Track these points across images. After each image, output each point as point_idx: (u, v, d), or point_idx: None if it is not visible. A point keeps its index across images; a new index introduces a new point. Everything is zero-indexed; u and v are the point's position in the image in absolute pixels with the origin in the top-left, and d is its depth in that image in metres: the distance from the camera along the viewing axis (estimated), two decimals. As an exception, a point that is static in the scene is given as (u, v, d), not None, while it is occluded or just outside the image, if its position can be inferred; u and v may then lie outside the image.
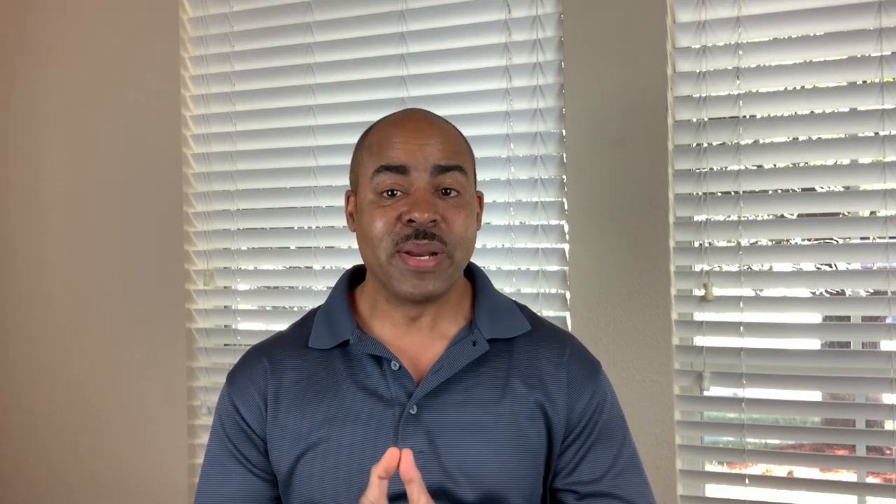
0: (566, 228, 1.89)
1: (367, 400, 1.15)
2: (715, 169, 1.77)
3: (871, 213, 1.75)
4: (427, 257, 1.11)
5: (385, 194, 1.12)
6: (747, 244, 1.76)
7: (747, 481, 1.74)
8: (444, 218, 1.11)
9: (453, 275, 1.14)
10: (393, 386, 1.15)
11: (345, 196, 1.23)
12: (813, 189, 1.99)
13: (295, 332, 1.25)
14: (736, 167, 1.75)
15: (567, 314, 1.89)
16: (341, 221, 2.10)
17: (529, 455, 1.16)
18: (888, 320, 1.71)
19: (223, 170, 2.24)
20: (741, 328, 1.75)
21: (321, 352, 1.19)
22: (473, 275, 1.25)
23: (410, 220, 1.10)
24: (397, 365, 1.15)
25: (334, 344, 1.18)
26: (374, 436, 1.14)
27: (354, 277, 1.27)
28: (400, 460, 0.94)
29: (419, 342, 1.18)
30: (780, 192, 1.79)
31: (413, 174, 1.12)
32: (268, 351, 1.22)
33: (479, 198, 1.22)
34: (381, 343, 1.16)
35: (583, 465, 1.19)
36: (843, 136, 1.71)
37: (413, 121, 1.16)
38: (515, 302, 1.27)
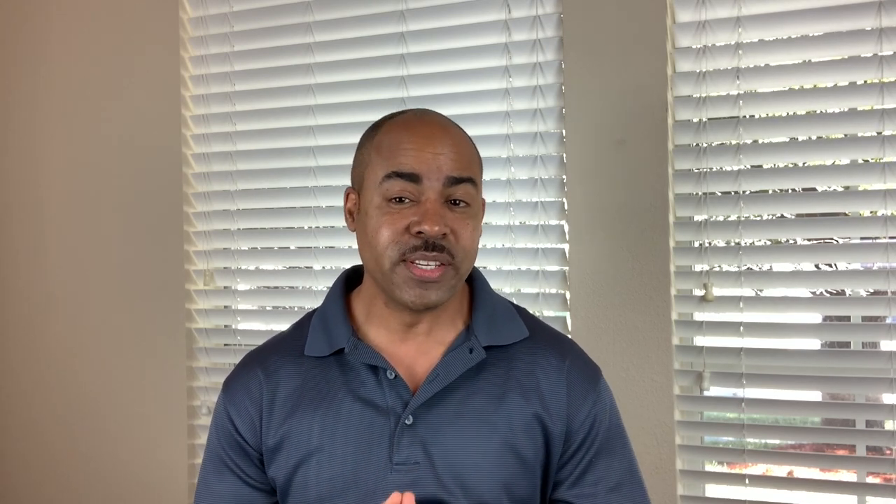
0: (566, 228, 1.89)
1: (362, 409, 1.14)
2: (715, 169, 1.77)
3: (871, 213, 1.75)
4: (433, 267, 1.09)
5: (393, 201, 1.10)
6: (747, 244, 1.76)
7: (747, 481, 1.74)
8: (452, 230, 1.10)
9: (456, 286, 1.13)
10: (389, 395, 1.13)
11: (344, 193, 1.20)
12: (813, 189, 1.99)
13: (291, 337, 1.23)
14: (736, 167, 1.75)
15: (567, 314, 1.89)
16: (341, 221, 2.10)
17: (525, 467, 1.15)
18: (888, 320, 1.71)
19: (223, 170, 2.24)
20: (741, 328, 1.75)
21: (317, 359, 1.18)
22: (472, 277, 1.23)
23: (420, 232, 1.08)
24: (393, 374, 1.13)
25: (330, 352, 1.17)
26: (370, 446, 1.13)
27: (351, 279, 1.25)
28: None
29: (415, 349, 1.17)
30: (780, 192, 1.79)
31: (425, 183, 1.09)
32: (263, 359, 1.21)
33: (482, 204, 1.20)
34: (377, 351, 1.15)
35: (585, 477, 1.17)
36: (843, 136, 1.71)
37: (427, 126, 1.14)
38: (514, 304, 1.25)
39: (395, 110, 1.21)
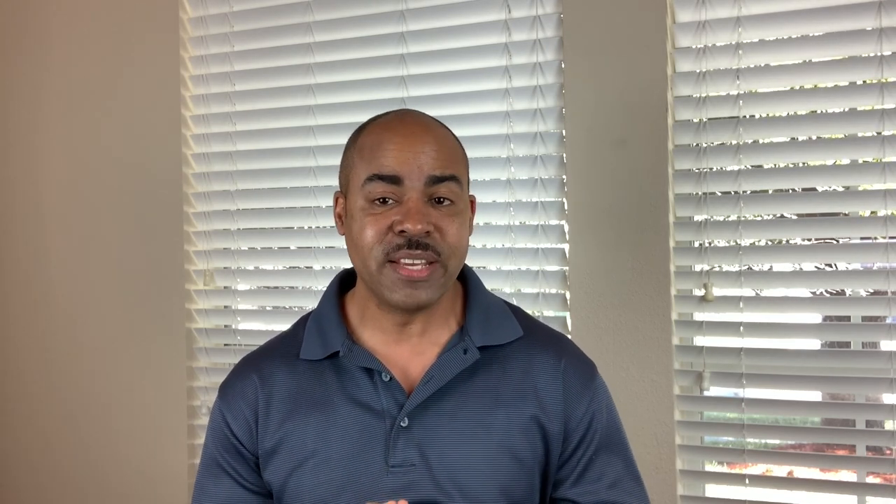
0: (566, 228, 1.89)
1: (358, 412, 1.14)
2: (715, 169, 1.77)
3: (871, 213, 1.75)
4: (420, 266, 1.08)
5: (377, 202, 1.10)
6: (747, 244, 1.76)
7: (747, 481, 1.74)
8: (437, 227, 1.09)
9: (446, 284, 1.12)
10: (384, 397, 1.13)
11: (333, 197, 1.20)
12: (813, 189, 1.99)
13: (287, 341, 1.23)
14: (736, 167, 1.75)
15: (567, 314, 1.89)
16: (341, 221, 2.10)
17: (523, 468, 1.15)
18: (888, 320, 1.71)
19: (223, 170, 2.24)
20: (741, 328, 1.75)
21: (312, 363, 1.17)
22: (465, 276, 1.22)
23: (402, 231, 1.08)
24: (388, 376, 1.13)
25: (324, 355, 1.16)
26: (366, 448, 1.12)
27: (346, 281, 1.25)
28: None
29: (409, 350, 1.16)
30: (780, 192, 1.79)
31: (406, 184, 1.09)
32: (258, 363, 1.21)
33: (472, 202, 1.19)
34: (371, 354, 1.15)
35: (585, 475, 1.18)
36: (843, 136, 1.71)
37: (407, 125, 1.13)
38: (508, 303, 1.24)
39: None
